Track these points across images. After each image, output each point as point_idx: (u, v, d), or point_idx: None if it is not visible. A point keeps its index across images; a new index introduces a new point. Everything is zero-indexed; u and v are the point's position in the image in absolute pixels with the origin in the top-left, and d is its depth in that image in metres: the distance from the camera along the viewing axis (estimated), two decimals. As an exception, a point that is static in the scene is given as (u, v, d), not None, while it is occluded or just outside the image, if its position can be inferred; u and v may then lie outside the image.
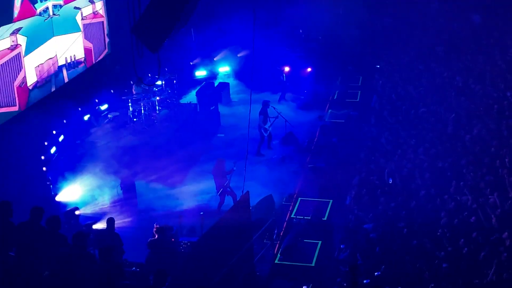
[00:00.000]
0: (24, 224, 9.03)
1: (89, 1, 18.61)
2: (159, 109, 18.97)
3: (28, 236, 8.76)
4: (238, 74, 23.30)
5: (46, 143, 15.66)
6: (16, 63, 15.12)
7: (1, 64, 14.52)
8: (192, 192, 15.35)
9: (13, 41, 14.89)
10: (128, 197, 14.82)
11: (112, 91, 19.39)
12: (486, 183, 13.24)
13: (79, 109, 17.78)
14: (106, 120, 18.51)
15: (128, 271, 10.17)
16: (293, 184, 15.82)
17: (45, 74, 16.43)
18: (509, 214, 11.96)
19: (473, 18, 25.64)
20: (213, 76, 23.45)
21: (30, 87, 15.83)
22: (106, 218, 11.88)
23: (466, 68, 21.17)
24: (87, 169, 15.37)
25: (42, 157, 15.14)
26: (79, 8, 18.02)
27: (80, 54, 18.24)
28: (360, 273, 10.51)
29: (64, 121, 16.82)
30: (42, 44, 16.23)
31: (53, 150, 15.77)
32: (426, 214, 12.53)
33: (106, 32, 19.62)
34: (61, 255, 8.41)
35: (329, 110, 20.41)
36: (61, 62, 17.25)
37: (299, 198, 14.58)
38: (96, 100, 18.77)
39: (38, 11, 15.89)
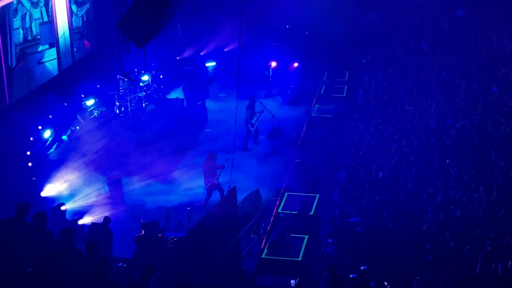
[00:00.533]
0: (10, 220, 8.98)
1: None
2: (145, 104, 18.90)
3: (14, 232, 8.70)
4: (225, 69, 23.28)
5: (31, 139, 15.57)
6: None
7: None
8: (178, 187, 15.34)
9: None
10: (114, 192, 14.77)
11: (98, 86, 19.29)
12: (471, 177, 13.36)
13: (65, 104, 17.67)
14: (92, 116, 18.42)
15: (115, 267, 10.15)
16: (280, 179, 15.86)
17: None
18: (494, 208, 12.09)
19: (458, 13, 25.88)
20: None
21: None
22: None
23: (452, 63, 21.31)
24: (73, 165, 15.30)
25: (28, 153, 15.04)
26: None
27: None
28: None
29: (50, 116, 16.72)
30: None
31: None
32: (412, 208, 12.65)
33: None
34: (47, 251, 8.37)
35: (316, 105, 20.45)
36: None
37: (286, 193, 14.59)
38: (82, 96, 18.66)
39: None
